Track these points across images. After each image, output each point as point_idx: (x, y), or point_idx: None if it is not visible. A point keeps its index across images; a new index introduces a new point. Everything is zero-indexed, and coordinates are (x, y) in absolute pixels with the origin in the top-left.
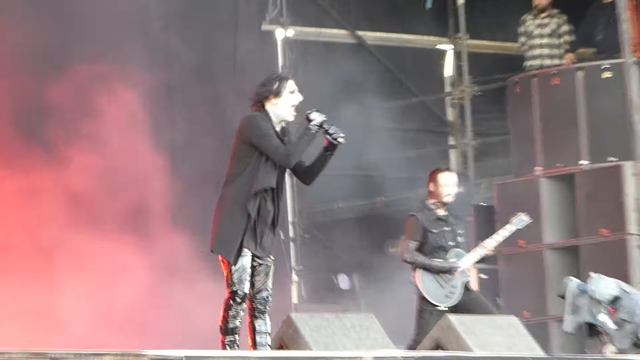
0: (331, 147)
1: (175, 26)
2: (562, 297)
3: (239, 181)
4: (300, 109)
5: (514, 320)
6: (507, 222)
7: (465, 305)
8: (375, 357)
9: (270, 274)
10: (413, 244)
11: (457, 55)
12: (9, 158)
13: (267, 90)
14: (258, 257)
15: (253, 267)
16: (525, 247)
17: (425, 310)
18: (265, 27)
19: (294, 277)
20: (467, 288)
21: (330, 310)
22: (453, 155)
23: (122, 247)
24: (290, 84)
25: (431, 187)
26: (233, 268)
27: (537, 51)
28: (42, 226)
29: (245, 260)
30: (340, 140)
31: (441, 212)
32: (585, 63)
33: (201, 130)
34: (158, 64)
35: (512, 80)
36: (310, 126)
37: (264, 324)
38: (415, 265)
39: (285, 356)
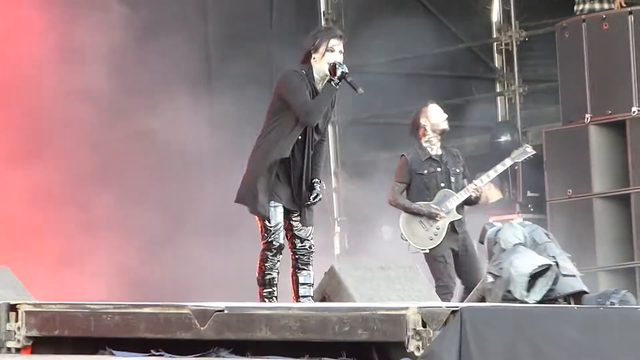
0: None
1: None
2: (482, 243)
3: (271, 136)
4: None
5: None
6: (507, 156)
7: (458, 259)
8: (421, 308)
9: (311, 230)
10: (399, 187)
11: None
12: None
13: (308, 44)
14: (294, 212)
15: (291, 220)
16: (574, 196)
17: (425, 256)
18: None
19: (337, 228)
20: (456, 230)
21: (374, 261)
22: (500, 102)
23: None
24: (332, 42)
25: (422, 122)
26: (266, 220)
27: None
28: None
29: (279, 211)
30: (360, 91)
31: (435, 151)
32: (636, 7)
33: (239, 82)
34: (193, 15)
35: (561, 25)
36: (333, 78)
37: (308, 276)
38: (398, 209)
39: (328, 308)
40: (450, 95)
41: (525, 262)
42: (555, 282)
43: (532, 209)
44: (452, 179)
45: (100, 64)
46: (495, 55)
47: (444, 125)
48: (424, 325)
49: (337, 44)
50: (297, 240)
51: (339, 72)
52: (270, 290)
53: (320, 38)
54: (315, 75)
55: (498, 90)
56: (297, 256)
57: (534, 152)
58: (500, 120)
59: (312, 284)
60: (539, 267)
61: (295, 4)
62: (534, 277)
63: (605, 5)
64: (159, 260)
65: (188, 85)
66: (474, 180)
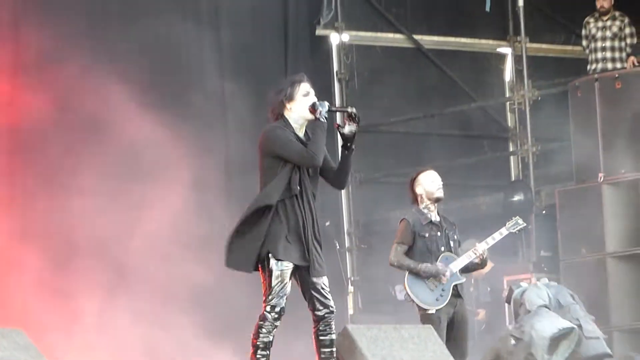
0: (348, 142)
1: (225, 37)
2: (508, 303)
3: (269, 188)
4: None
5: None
6: (503, 225)
7: (453, 324)
8: None
9: (326, 282)
10: (401, 248)
11: (517, 59)
12: None
13: (280, 97)
14: (306, 269)
15: (304, 280)
16: (587, 256)
17: (422, 316)
18: (319, 31)
19: (350, 287)
20: (459, 294)
21: (387, 321)
22: (513, 161)
23: None
24: (304, 87)
25: (418, 190)
26: (273, 280)
27: (600, 54)
28: None
29: (287, 274)
30: (350, 110)
31: (434, 217)
32: None
33: (254, 141)
34: (208, 76)
35: (574, 84)
36: (318, 117)
37: (330, 338)
38: (402, 269)
39: None
40: (463, 154)
41: (547, 325)
42: (578, 344)
43: (545, 269)
44: (452, 244)
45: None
46: (508, 114)
47: (439, 193)
48: None
49: (308, 87)
50: (318, 304)
51: (324, 109)
52: (265, 353)
53: (290, 87)
54: (294, 124)
55: (511, 150)
56: (318, 317)
57: (525, 224)
58: (513, 179)
59: (334, 346)
60: (560, 330)
61: (310, 64)
62: (557, 340)
63: (618, 65)
64: None
65: (204, 141)
66: (475, 247)
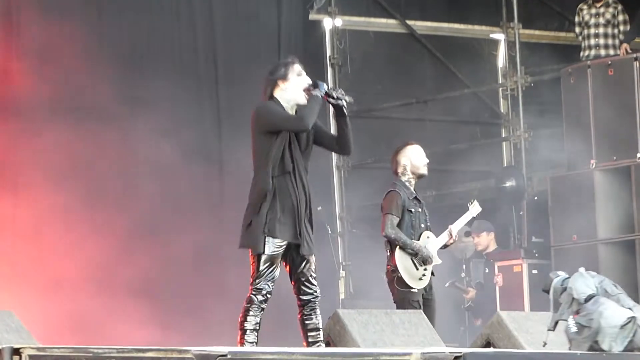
0: (339, 111)
1: (218, 20)
2: (547, 292)
3: (262, 172)
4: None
5: None
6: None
7: (423, 302)
8: (424, 354)
9: (313, 266)
10: (395, 220)
11: (510, 45)
12: None
13: (275, 77)
14: (298, 247)
15: (293, 260)
16: (578, 242)
17: (404, 292)
18: (312, 16)
19: (342, 272)
20: (433, 273)
21: (378, 306)
22: (505, 147)
23: None
24: (297, 67)
25: (403, 161)
26: (262, 262)
27: (593, 41)
28: None
29: (275, 256)
30: (347, 99)
31: (414, 192)
32: None
33: (246, 128)
34: (202, 59)
35: (567, 70)
36: (314, 93)
37: (316, 321)
38: (397, 243)
39: (332, 352)
40: (455, 140)
41: (616, 314)
42: (635, 334)
43: (536, 255)
44: (428, 223)
45: None
46: (501, 100)
47: (424, 170)
48: None
49: (300, 68)
50: (304, 287)
51: (321, 90)
52: (254, 335)
53: (284, 67)
54: (285, 104)
55: (503, 136)
56: (302, 302)
57: (480, 209)
58: (505, 165)
59: (321, 328)
60: (627, 319)
61: (302, 48)
62: (622, 329)
63: (611, 52)
64: None
65: (198, 133)
66: (450, 228)
